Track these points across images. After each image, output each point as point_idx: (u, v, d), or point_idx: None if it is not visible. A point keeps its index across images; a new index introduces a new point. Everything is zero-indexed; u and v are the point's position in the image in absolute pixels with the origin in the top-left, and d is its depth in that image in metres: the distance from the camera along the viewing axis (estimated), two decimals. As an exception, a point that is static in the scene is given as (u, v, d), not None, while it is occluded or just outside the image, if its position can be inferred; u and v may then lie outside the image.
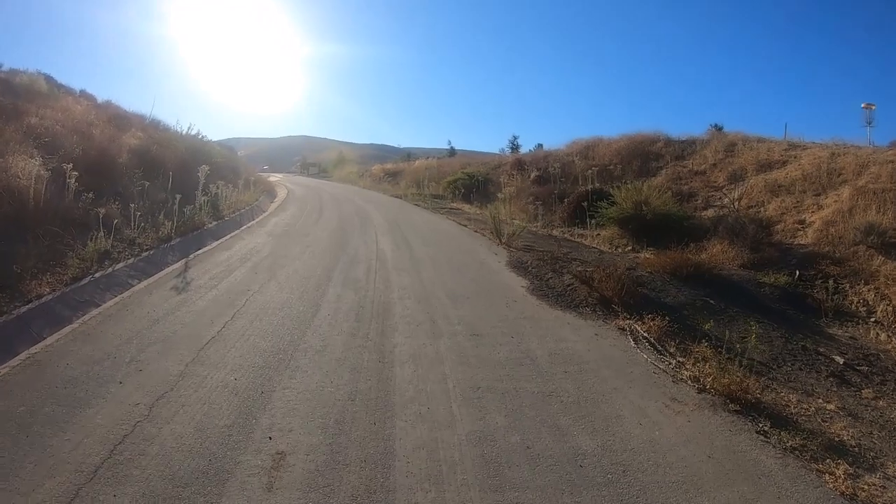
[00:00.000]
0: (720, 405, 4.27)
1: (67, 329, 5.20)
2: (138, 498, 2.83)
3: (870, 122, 16.70)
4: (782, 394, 4.77)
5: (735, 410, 4.20)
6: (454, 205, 20.08)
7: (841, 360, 5.90)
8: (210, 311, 5.83)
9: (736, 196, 12.99)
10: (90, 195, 8.66)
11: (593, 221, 12.78)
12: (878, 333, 7.14)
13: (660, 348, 5.42)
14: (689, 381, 4.68)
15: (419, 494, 2.99)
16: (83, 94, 17.81)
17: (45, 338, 4.95)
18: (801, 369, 5.55)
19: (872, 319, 7.66)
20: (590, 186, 15.11)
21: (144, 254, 8.07)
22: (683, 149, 18.04)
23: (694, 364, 5.01)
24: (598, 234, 12.64)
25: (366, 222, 13.85)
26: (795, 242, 10.32)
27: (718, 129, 20.64)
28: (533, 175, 20.11)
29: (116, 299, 6.21)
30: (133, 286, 6.78)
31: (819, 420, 4.36)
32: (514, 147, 38.10)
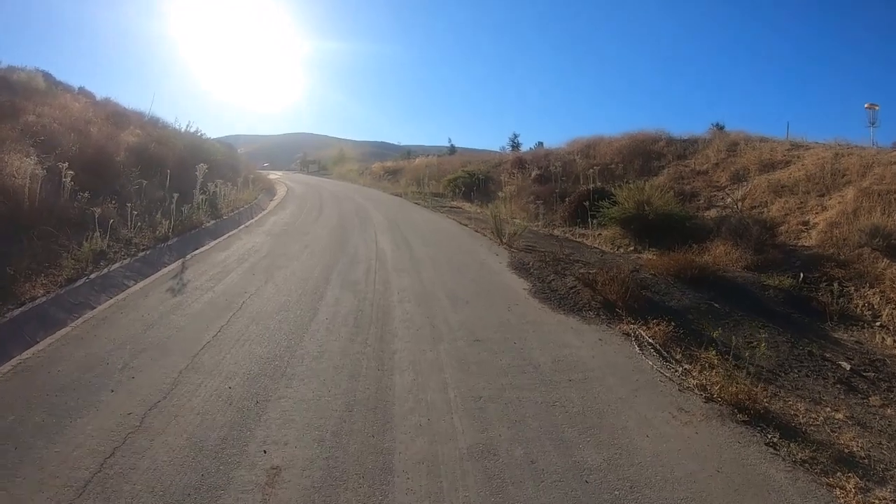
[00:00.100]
0: (728, 415, 4.16)
1: (60, 333, 5.10)
2: (127, 516, 2.73)
3: (873, 123, 16.54)
4: (790, 402, 4.67)
5: (743, 421, 4.09)
6: (454, 203, 19.98)
7: (847, 366, 5.79)
8: (206, 315, 5.72)
9: (739, 196, 12.88)
10: (86, 194, 8.55)
11: (595, 221, 12.67)
12: (883, 338, 7.03)
13: (665, 355, 5.31)
14: (696, 390, 4.57)
15: (419, 513, 2.89)
16: (82, 91, 17.68)
17: (37, 342, 4.86)
18: (807, 375, 5.45)
19: (878, 323, 7.55)
20: (591, 185, 15.00)
21: (141, 254, 7.97)
22: (685, 148, 17.93)
23: (700, 371, 4.90)
24: (600, 234, 12.52)
25: (365, 221, 13.75)
26: (799, 244, 10.21)
27: (720, 128, 20.48)
28: (534, 174, 19.98)
29: (111, 301, 6.11)
30: (128, 287, 6.68)
31: (828, 430, 4.26)
32: (515, 145, 37.88)
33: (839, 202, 10.89)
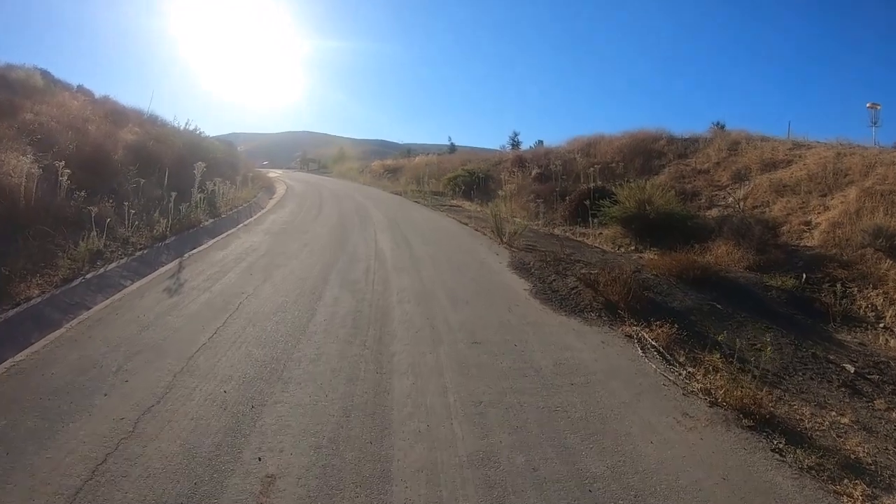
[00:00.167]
0: (733, 420, 4.09)
1: (55, 334, 5.02)
2: (118, 526, 2.66)
3: (875, 122, 16.47)
4: (795, 406, 4.60)
5: (749, 426, 4.02)
6: (454, 202, 19.89)
7: (852, 369, 5.72)
8: (202, 316, 5.64)
9: (741, 196, 12.80)
10: (82, 193, 8.49)
11: (595, 220, 12.60)
12: (887, 340, 6.97)
13: (669, 357, 5.23)
14: (700, 394, 4.49)
15: (418, 524, 2.81)
16: (80, 89, 17.61)
17: (31, 343, 4.78)
18: (812, 378, 5.38)
19: (881, 325, 7.48)
20: (592, 184, 14.90)
21: (138, 253, 7.90)
22: (686, 147, 17.84)
23: (704, 375, 4.83)
24: (601, 234, 12.45)
25: (365, 220, 13.66)
26: (802, 244, 10.14)
27: (721, 127, 20.41)
28: (534, 172, 19.90)
29: (107, 302, 6.03)
30: (125, 287, 6.61)
31: (834, 435, 4.19)
32: (515, 144, 37.84)
33: (842, 202, 10.82)
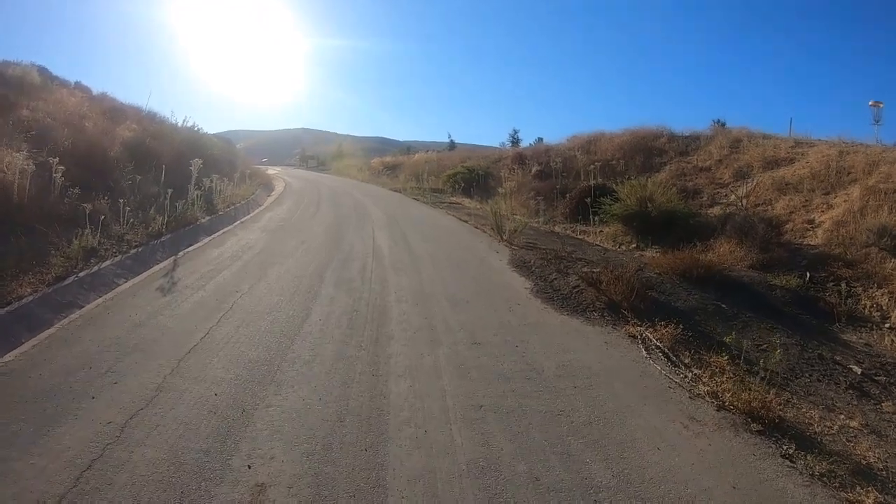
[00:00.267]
0: (741, 425, 3.95)
1: (45, 334, 4.92)
2: (99, 539, 2.53)
3: (878, 120, 16.31)
4: (804, 409, 4.47)
5: (757, 431, 3.88)
6: (454, 199, 19.76)
7: (859, 371, 5.61)
8: (195, 316, 5.51)
9: (743, 193, 12.67)
10: (76, 190, 8.38)
11: (596, 218, 12.49)
12: (892, 340, 6.83)
13: (674, 359, 5.09)
14: (707, 397, 4.35)
15: (414, 537, 2.68)
16: (78, 86, 17.55)
17: (21, 343, 4.68)
18: (819, 380, 5.26)
19: (887, 325, 7.36)
20: (592, 182, 14.79)
21: (133, 251, 7.79)
22: (687, 144, 17.71)
23: (711, 377, 4.69)
24: (602, 231, 12.33)
25: (363, 217, 13.54)
26: (805, 243, 10.01)
27: (721, 124, 20.30)
28: (534, 170, 19.78)
29: (99, 301, 5.92)
30: (118, 286, 6.50)
31: (844, 440, 4.07)
32: (515, 141, 37.79)
33: (845, 200, 10.69)
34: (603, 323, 6.03)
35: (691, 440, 3.70)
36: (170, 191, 9.97)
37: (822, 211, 10.84)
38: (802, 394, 4.85)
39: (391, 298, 6.49)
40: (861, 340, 6.77)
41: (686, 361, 5.07)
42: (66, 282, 6.14)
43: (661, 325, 5.75)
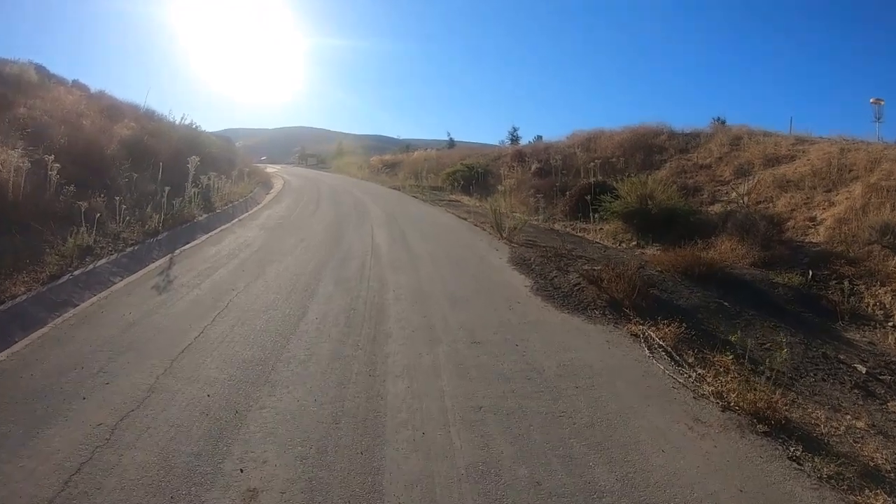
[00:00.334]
0: (747, 426, 3.86)
1: (38, 333, 4.84)
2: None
3: (879, 118, 16.23)
4: (809, 410, 4.38)
5: (764, 432, 3.79)
6: (453, 197, 19.67)
7: (863, 370, 5.53)
8: (190, 314, 5.43)
9: (744, 191, 12.58)
10: (72, 187, 8.30)
11: (596, 215, 12.41)
12: (896, 338, 6.77)
13: (677, 358, 4.99)
14: (712, 398, 4.25)
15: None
16: (76, 84, 17.54)
17: (14, 343, 4.61)
18: (824, 380, 5.18)
19: (890, 324, 7.27)
20: (592, 179, 14.70)
21: (129, 249, 7.72)
22: (687, 142, 17.64)
23: (715, 377, 4.60)
24: (602, 229, 12.25)
25: (362, 215, 13.45)
26: (807, 240, 9.93)
27: (721, 122, 20.24)
28: (534, 167, 19.69)
29: (93, 300, 5.84)
30: (113, 284, 6.42)
31: (851, 441, 3.98)
32: (514, 139, 37.71)
33: (847, 198, 10.61)
34: (604, 321, 5.93)
35: (696, 442, 3.61)
36: (167, 188, 9.90)
37: (824, 208, 10.77)
38: (807, 393, 4.77)
39: (389, 297, 6.40)
40: (864, 339, 6.69)
41: (689, 361, 4.98)
42: (61, 280, 6.07)
43: (663, 324, 5.66)
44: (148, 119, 15.97)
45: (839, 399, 4.77)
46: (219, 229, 10.35)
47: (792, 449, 3.65)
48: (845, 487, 3.30)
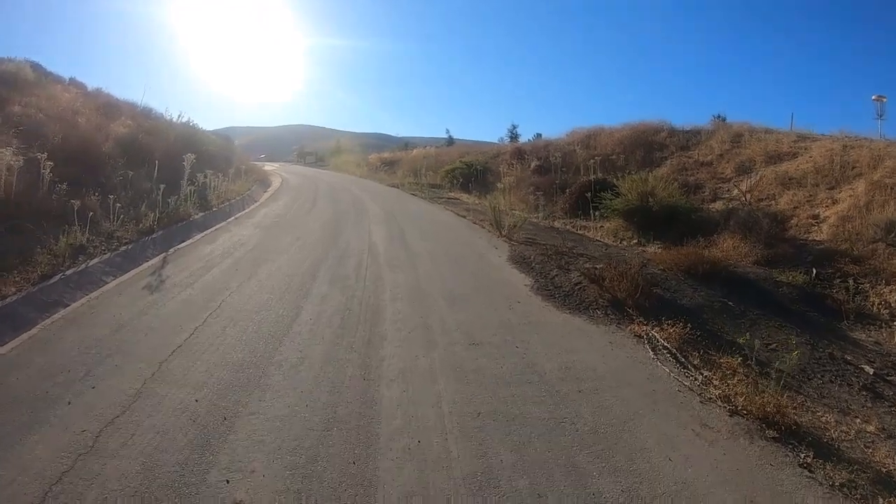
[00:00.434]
0: (756, 431, 3.72)
1: (26, 335, 4.72)
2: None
3: (881, 115, 16.08)
4: (819, 413, 4.25)
5: (773, 438, 3.66)
6: (452, 194, 19.53)
7: (871, 371, 5.40)
8: (181, 315, 5.29)
9: (746, 188, 12.45)
10: (65, 186, 8.17)
11: (597, 213, 12.29)
12: (903, 338, 6.64)
13: (682, 360, 4.85)
14: (719, 401, 4.11)
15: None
16: (72, 82, 17.39)
17: (3, 344, 4.49)
18: (831, 381, 5.05)
19: (896, 323, 7.16)
20: (592, 177, 14.58)
21: (122, 248, 7.60)
22: (688, 139, 17.53)
23: (722, 379, 4.46)
24: (602, 227, 12.12)
25: (360, 213, 13.31)
26: (810, 238, 9.81)
27: (722, 119, 20.12)
28: (533, 165, 19.57)
29: (84, 300, 5.72)
30: (105, 284, 6.31)
31: (862, 446, 3.85)
32: (514, 136, 37.62)
33: (850, 195, 10.49)
34: (607, 322, 5.79)
35: (705, 449, 3.47)
36: (162, 186, 9.77)
37: (827, 206, 10.65)
38: (816, 396, 4.64)
39: (386, 296, 6.26)
40: (870, 339, 6.56)
41: (695, 363, 4.84)
42: (52, 280, 5.96)
43: (667, 324, 5.52)
44: (145, 117, 15.88)
45: (847, 402, 4.64)
46: (214, 228, 10.22)
47: (802, 455, 3.52)
48: (858, 496, 3.17)
